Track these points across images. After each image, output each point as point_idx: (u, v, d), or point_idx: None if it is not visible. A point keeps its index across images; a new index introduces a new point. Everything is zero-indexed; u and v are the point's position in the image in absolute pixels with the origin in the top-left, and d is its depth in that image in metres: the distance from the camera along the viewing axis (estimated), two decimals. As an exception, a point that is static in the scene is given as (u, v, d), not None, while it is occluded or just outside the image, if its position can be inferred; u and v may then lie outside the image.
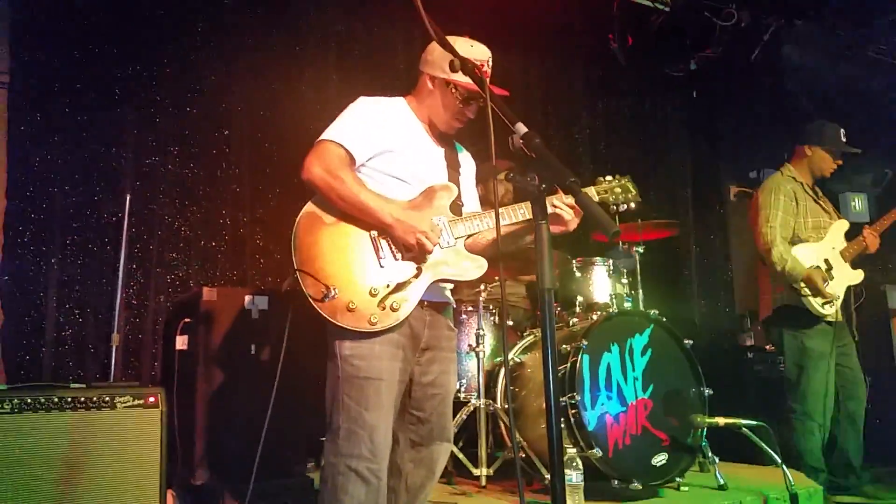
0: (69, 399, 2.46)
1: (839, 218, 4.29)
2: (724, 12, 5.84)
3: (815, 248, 4.09)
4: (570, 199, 2.48)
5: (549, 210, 2.46)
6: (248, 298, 3.47)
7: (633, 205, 2.73)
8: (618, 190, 2.72)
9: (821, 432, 3.97)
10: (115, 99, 4.23)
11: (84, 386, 2.58)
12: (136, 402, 2.59)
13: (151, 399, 2.62)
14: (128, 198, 3.92)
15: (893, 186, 6.88)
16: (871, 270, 4.68)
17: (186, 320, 3.56)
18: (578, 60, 6.14)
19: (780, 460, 3.25)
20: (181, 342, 3.54)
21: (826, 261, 4.07)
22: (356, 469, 2.28)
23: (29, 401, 2.39)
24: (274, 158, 4.62)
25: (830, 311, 3.99)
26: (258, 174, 4.61)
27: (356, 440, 2.30)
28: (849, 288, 4.13)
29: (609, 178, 2.74)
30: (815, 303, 3.96)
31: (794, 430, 3.98)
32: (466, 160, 2.77)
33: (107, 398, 2.53)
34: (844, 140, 4.24)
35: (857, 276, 4.14)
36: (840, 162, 4.27)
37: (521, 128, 1.65)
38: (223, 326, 3.44)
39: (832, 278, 4.02)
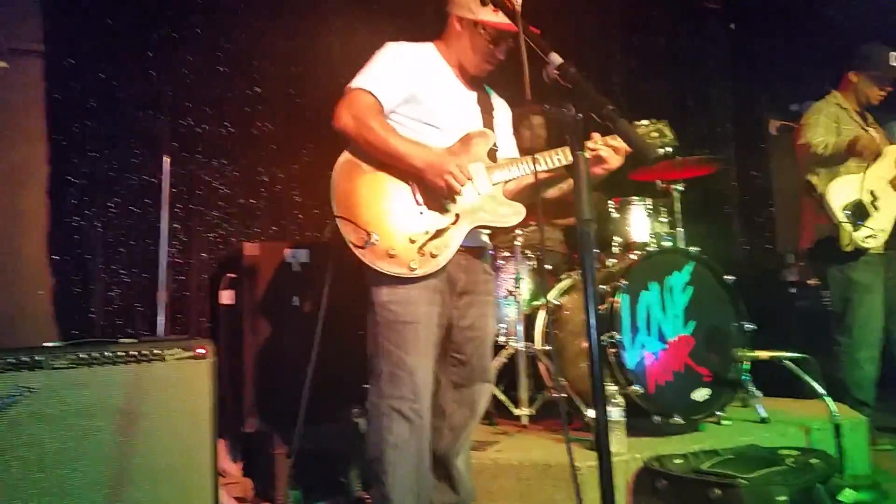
0: (121, 353, 2.54)
1: (891, 145, 4.10)
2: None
3: (858, 178, 3.96)
4: (608, 140, 2.44)
5: (587, 153, 2.44)
6: (288, 252, 3.53)
7: (669, 149, 2.68)
8: (654, 134, 2.68)
9: (870, 366, 3.93)
10: (148, 63, 4.29)
11: (135, 341, 2.66)
12: (186, 354, 2.66)
13: (200, 350, 2.69)
14: (166, 159, 4.02)
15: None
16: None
17: (230, 275, 3.65)
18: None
19: (823, 392, 3.22)
20: (226, 297, 3.63)
21: (871, 192, 3.95)
22: (399, 409, 2.34)
23: (83, 356, 2.47)
24: (307, 114, 4.65)
25: (878, 242, 3.90)
26: (292, 130, 4.64)
27: (398, 382, 2.36)
28: None
29: (644, 122, 2.70)
30: (857, 237, 3.86)
31: (840, 363, 3.94)
32: (500, 105, 2.75)
33: (157, 351, 2.60)
34: (894, 64, 4.05)
35: None
36: (889, 88, 4.11)
37: (556, 58, 1.62)
38: (266, 280, 3.51)
39: (877, 209, 3.92)
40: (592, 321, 1.50)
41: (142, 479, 2.50)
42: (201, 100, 4.41)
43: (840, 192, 3.94)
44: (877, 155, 3.87)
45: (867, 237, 3.89)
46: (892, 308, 4.04)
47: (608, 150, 2.43)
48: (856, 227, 3.88)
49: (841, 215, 3.90)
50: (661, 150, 2.69)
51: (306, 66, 4.68)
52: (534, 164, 2.45)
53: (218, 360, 2.76)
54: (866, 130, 4.10)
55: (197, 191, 4.33)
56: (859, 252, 3.91)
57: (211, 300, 4.14)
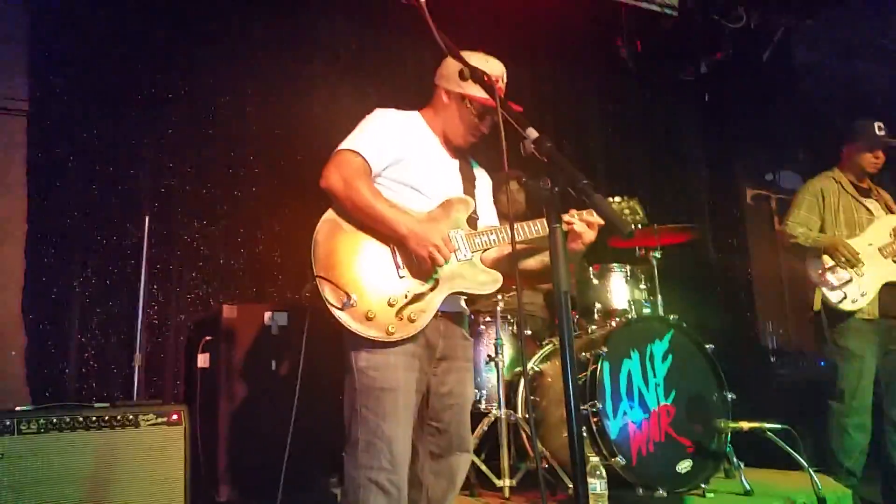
0: (94, 418, 2.49)
1: (891, 214, 4.17)
2: (732, 14, 5.83)
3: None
4: (583, 214, 2.48)
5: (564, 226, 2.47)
6: (267, 315, 3.51)
7: (640, 226, 2.74)
8: (626, 211, 2.73)
9: (859, 434, 3.88)
10: (132, 123, 4.29)
11: (108, 405, 2.60)
12: (160, 419, 2.62)
13: (174, 416, 2.64)
14: (146, 219, 4.00)
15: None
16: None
17: (207, 338, 3.60)
18: (588, 68, 6.14)
19: (805, 464, 3.20)
20: (202, 360, 3.58)
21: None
22: (376, 481, 2.28)
23: (55, 420, 2.42)
24: (289, 176, 4.66)
25: (857, 306, 3.92)
26: (274, 192, 4.65)
27: (375, 452, 2.30)
28: (891, 286, 3.98)
29: (617, 198, 2.75)
30: (844, 300, 3.90)
31: (828, 427, 3.92)
32: (482, 175, 2.79)
33: (130, 416, 2.56)
34: (882, 133, 4.19)
35: None
36: (880, 155, 4.21)
37: (532, 132, 1.66)
38: (244, 343, 3.47)
39: (861, 275, 3.95)
40: (571, 390, 1.47)
41: (110, 551, 2.42)
42: (183, 160, 4.41)
43: (820, 260, 4.02)
44: (853, 263, 3.94)
45: (852, 301, 3.92)
46: (886, 380, 4.02)
47: (582, 225, 2.47)
48: (834, 289, 3.94)
49: (817, 278, 3.99)
50: (632, 227, 2.71)
51: (290, 129, 4.72)
52: (511, 232, 2.47)
53: (193, 425, 2.70)
54: (859, 202, 4.19)
55: (177, 251, 4.29)
56: (846, 316, 3.94)
57: (187, 363, 4.07)
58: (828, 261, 4.00)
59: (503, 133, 1.80)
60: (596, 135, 6.11)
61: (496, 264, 2.59)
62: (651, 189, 6.14)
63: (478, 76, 1.97)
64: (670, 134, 6.55)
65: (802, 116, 6.87)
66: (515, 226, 2.51)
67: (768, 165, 7.32)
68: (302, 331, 2.83)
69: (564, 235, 1.64)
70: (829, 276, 3.97)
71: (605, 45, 5.82)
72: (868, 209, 4.17)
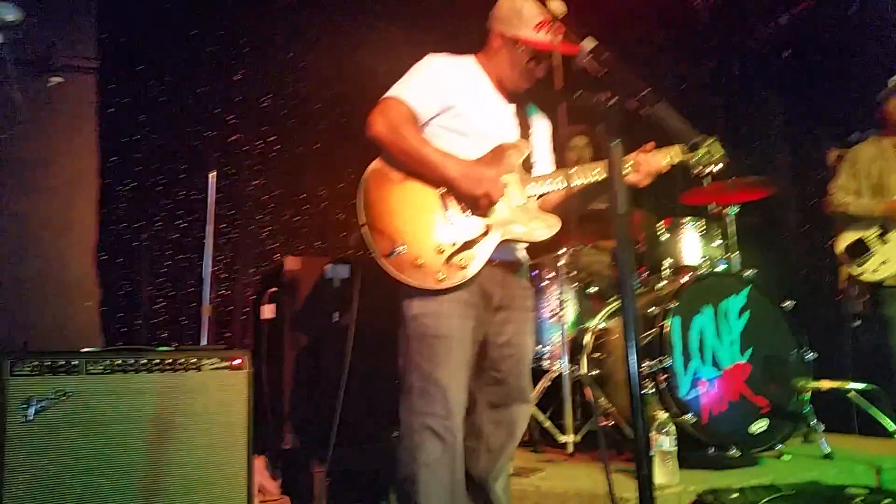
0: (157, 360, 2.51)
1: None
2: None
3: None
4: (651, 158, 2.35)
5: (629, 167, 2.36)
6: (328, 267, 3.48)
7: (719, 166, 2.55)
8: (702, 150, 2.54)
9: None
10: (198, 79, 4.34)
11: (172, 348, 2.62)
12: (223, 363, 2.62)
13: (237, 361, 2.65)
14: (213, 174, 4.03)
15: None
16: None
17: (272, 290, 3.62)
18: (662, 21, 5.86)
19: (893, 425, 3.00)
20: (268, 311, 3.60)
21: (882, 225, 3.93)
22: (431, 426, 2.24)
23: (120, 362, 2.45)
24: (352, 132, 4.60)
25: (878, 276, 3.89)
26: (337, 148, 4.65)
27: (429, 398, 2.26)
28: None
29: None
30: (866, 266, 3.93)
31: None
32: (540, 120, 2.68)
33: (193, 360, 2.57)
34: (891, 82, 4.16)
35: None
36: None
37: (589, 42, 1.54)
38: (306, 295, 3.47)
39: (885, 242, 3.90)
40: (631, 326, 1.39)
41: (174, 491, 2.46)
42: (248, 117, 4.44)
43: (845, 237, 4.09)
44: None
45: (873, 271, 3.90)
46: None
47: (646, 160, 2.34)
48: (852, 264, 4.00)
49: (840, 255, 4.08)
50: (710, 167, 2.55)
51: (352, 85, 4.69)
52: (568, 178, 2.37)
53: (258, 373, 2.71)
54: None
55: (243, 207, 4.34)
56: (879, 286, 3.94)
57: (254, 316, 4.12)
58: (849, 239, 4.02)
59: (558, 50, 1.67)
60: (669, 91, 5.86)
61: (554, 211, 2.48)
62: (730, 147, 5.83)
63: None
64: (749, 91, 6.21)
65: (891, 73, 6.44)
66: (573, 170, 2.41)
67: (854, 124, 6.91)
68: (364, 282, 2.81)
69: (622, 150, 1.52)
70: (849, 251, 4.03)
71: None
72: None
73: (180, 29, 4.31)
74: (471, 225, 2.31)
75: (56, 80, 3.95)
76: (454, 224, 2.30)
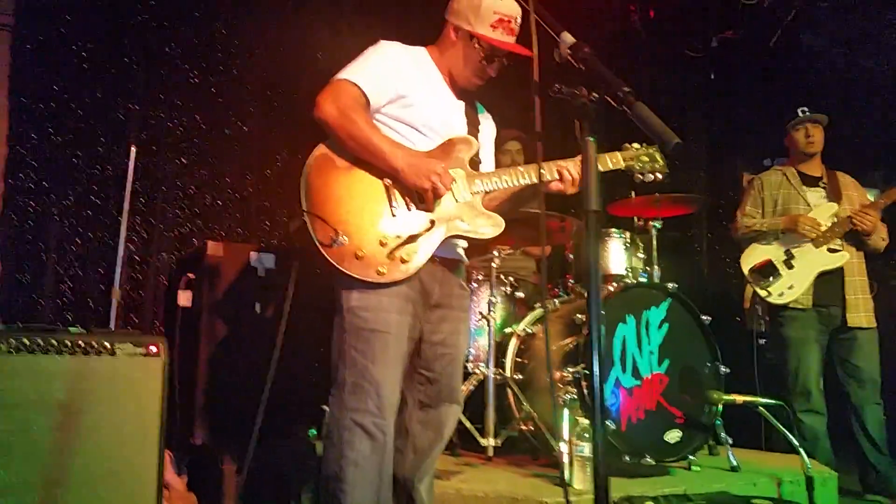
0: (67, 342, 2.35)
1: (834, 203, 4.18)
2: (748, -11, 5.70)
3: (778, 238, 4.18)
4: (575, 164, 2.38)
5: (552, 174, 2.40)
6: (254, 255, 3.36)
7: (659, 175, 2.61)
8: (644, 158, 2.60)
9: (810, 419, 3.95)
10: (123, 49, 4.13)
11: (84, 331, 2.46)
12: (137, 350, 2.47)
13: (153, 348, 2.50)
14: (132, 150, 3.83)
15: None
16: (883, 266, 4.61)
17: (190, 275, 3.46)
18: (598, 32, 5.97)
19: (796, 442, 3.14)
20: (184, 298, 3.44)
21: (787, 251, 4.11)
22: (362, 423, 2.19)
23: (26, 342, 2.27)
24: (285, 119, 4.52)
25: (784, 299, 4.04)
26: (266, 133, 4.51)
27: (362, 394, 2.21)
28: (829, 274, 4.04)
29: (636, 144, 2.62)
30: (769, 295, 4.08)
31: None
32: (487, 121, 2.67)
33: (107, 344, 2.41)
34: (802, 113, 4.35)
35: (835, 259, 4.05)
36: (811, 132, 4.28)
37: (568, 37, 1.54)
38: (228, 283, 3.33)
39: (791, 267, 4.06)
40: (595, 321, 1.37)
41: (79, 483, 2.30)
42: (175, 92, 4.24)
43: (751, 255, 4.24)
44: (815, 234, 4.06)
45: (779, 294, 4.06)
46: (839, 363, 4.10)
47: (570, 177, 2.39)
48: (759, 285, 4.14)
49: (747, 275, 4.22)
50: (651, 176, 2.61)
51: (288, 69, 4.56)
52: (516, 177, 2.39)
53: (171, 362, 2.57)
54: (802, 195, 4.22)
55: (162, 186, 4.15)
56: (782, 308, 4.09)
57: (167, 302, 3.94)
58: (756, 259, 4.18)
59: (535, 41, 1.66)
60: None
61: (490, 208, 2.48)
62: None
63: None
64: (674, 109, 6.42)
65: (804, 104, 6.78)
66: (519, 169, 2.42)
67: (768, 151, 7.24)
68: (289, 274, 2.71)
69: (596, 148, 1.52)
70: (757, 274, 4.17)
71: (617, 11, 5.65)
72: (807, 200, 4.21)
73: (108, -5, 4.08)
74: (415, 218, 2.27)
75: (-35, 36, 3.67)
76: (399, 217, 2.26)
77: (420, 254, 2.27)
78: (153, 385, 2.52)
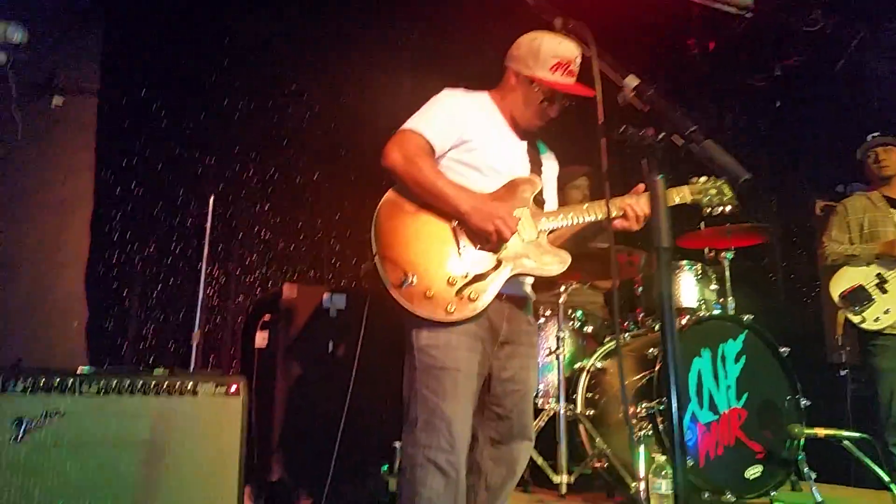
0: (152, 384, 2.46)
1: None
2: (808, 18, 5.61)
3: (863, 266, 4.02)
4: (638, 201, 2.38)
5: (617, 211, 2.39)
6: (326, 296, 3.45)
7: (728, 208, 2.58)
8: (713, 191, 2.57)
9: None
10: (199, 106, 4.34)
11: (167, 372, 2.57)
12: (219, 389, 2.57)
13: (233, 388, 2.60)
14: (211, 200, 4.01)
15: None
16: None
17: (267, 317, 3.57)
18: (659, 67, 5.98)
19: (884, 475, 2.99)
20: (261, 339, 3.55)
21: (878, 275, 3.95)
22: (434, 460, 2.20)
23: (114, 383, 2.40)
24: (351, 165, 4.65)
25: (880, 325, 3.84)
26: (334, 179, 4.65)
27: (434, 431, 2.22)
28: None
29: (703, 178, 2.60)
30: (863, 322, 3.86)
31: None
32: (549, 160, 2.70)
33: (189, 384, 2.52)
34: (871, 138, 4.29)
35: None
36: (881, 157, 4.20)
37: (632, 80, 1.56)
38: (302, 324, 3.43)
39: (885, 291, 3.89)
40: (671, 353, 1.37)
41: (165, 519, 2.38)
42: (248, 144, 4.43)
43: (840, 280, 4.04)
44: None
45: (875, 319, 3.86)
46: None
47: (635, 215, 2.38)
48: (852, 311, 3.92)
49: (837, 301, 4.00)
50: (719, 209, 2.58)
51: (353, 117, 4.72)
52: (580, 214, 2.40)
53: (250, 400, 2.66)
54: (890, 216, 4.09)
55: (238, 233, 4.31)
56: (874, 335, 3.90)
57: (244, 344, 4.07)
58: (846, 284, 3.98)
59: (599, 81, 1.69)
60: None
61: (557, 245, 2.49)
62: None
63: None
64: (741, 140, 6.32)
65: (873, 129, 6.59)
66: (583, 207, 2.43)
67: (839, 176, 7.04)
68: (361, 315, 2.78)
69: (665, 186, 1.53)
70: (850, 298, 3.95)
71: (677, 44, 5.65)
72: (895, 222, 4.07)
73: (184, 53, 4.32)
74: (482, 258, 2.30)
75: (58, 100, 3.93)
76: (466, 256, 2.29)
77: (488, 292, 2.29)
78: (233, 423, 2.60)
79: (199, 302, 3.78)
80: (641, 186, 2.41)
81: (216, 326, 4.15)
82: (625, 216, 2.41)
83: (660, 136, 1.50)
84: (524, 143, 2.58)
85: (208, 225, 3.92)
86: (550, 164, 2.69)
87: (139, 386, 2.44)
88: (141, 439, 2.40)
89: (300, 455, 3.21)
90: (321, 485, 3.05)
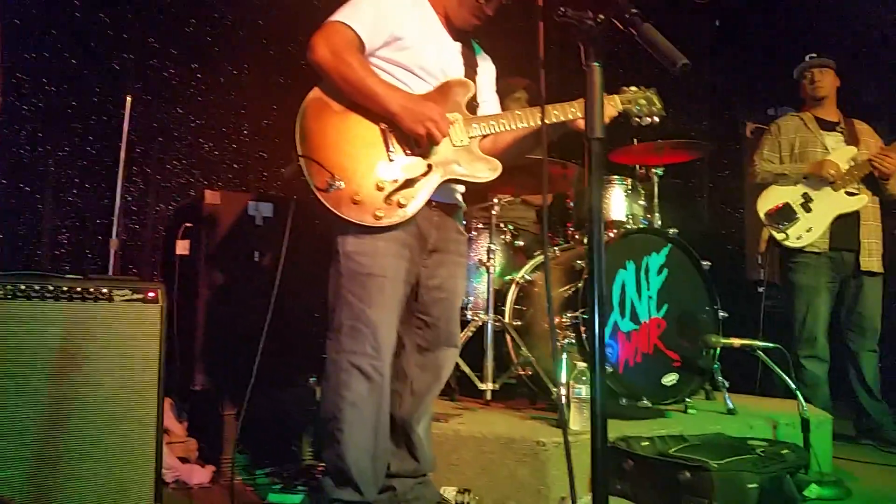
0: (65, 288, 2.35)
1: (853, 147, 4.13)
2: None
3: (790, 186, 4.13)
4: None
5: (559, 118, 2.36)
6: (251, 204, 3.35)
7: (657, 119, 2.57)
8: (642, 101, 2.55)
9: (812, 366, 4.00)
10: (118, -2, 4.05)
11: (81, 277, 2.46)
12: (136, 296, 2.47)
13: (151, 294, 2.50)
14: (128, 100, 3.78)
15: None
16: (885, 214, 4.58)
17: (188, 224, 3.45)
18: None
19: (792, 384, 3.15)
20: (182, 247, 3.43)
21: (804, 194, 4.07)
22: (359, 365, 2.21)
23: (23, 287, 2.27)
24: (282, 69, 4.44)
25: (801, 242, 4.00)
26: (262, 83, 4.44)
27: (359, 337, 2.22)
28: (846, 217, 4.02)
29: (633, 87, 2.57)
30: (787, 239, 4.01)
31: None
32: (485, 62, 2.62)
33: (105, 290, 2.41)
34: (809, 58, 4.36)
35: (853, 202, 4.02)
36: (816, 77, 4.28)
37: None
38: (225, 232, 3.33)
39: (809, 210, 4.02)
40: (597, 258, 1.36)
41: (78, 428, 2.31)
42: (170, 41, 4.17)
43: (768, 198, 4.16)
44: (837, 177, 4.01)
45: (797, 237, 4.01)
46: (844, 312, 4.11)
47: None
48: (776, 228, 4.05)
49: (764, 219, 4.12)
50: (648, 119, 2.57)
51: (282, 18, 4.47)
52: (514, 120, 2.35)
53: (170, 307, 2.58)
54: (819, 138, 4.18)
55: (158, 137, 4.11)
56: (796, 253, 4.05)
57: (165, 252, 3.94)
58: (772, 202, 4.11)
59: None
60: (600, 48, 5.86)
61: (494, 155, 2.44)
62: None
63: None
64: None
65: (808, 53, 6.66)
66: (518, 112, 2.39)
67: (771, 100, 7.15)
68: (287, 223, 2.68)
69: (602, 74, 1.49)
70: (775, 216, 4.08)
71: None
72: (825, 144, 4.17)
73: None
74: (412, 163, 2.25)
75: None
76: (395, 161, 2.24)
77: (417, 198, 2.25)
78: (152, 331, 2.52)
79: (117, 208, 3.62)
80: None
81: (135, 234, 4.00)
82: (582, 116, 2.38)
83: (598, 18, 1.44)
84: (458, 44, 2.50)
85: (125, 126, 3.72)
86: (487, 67, 2.62)
87: (50, 291, 2.33)
88: (53, 346, 2.31)
89: (224, 365, 3.17)
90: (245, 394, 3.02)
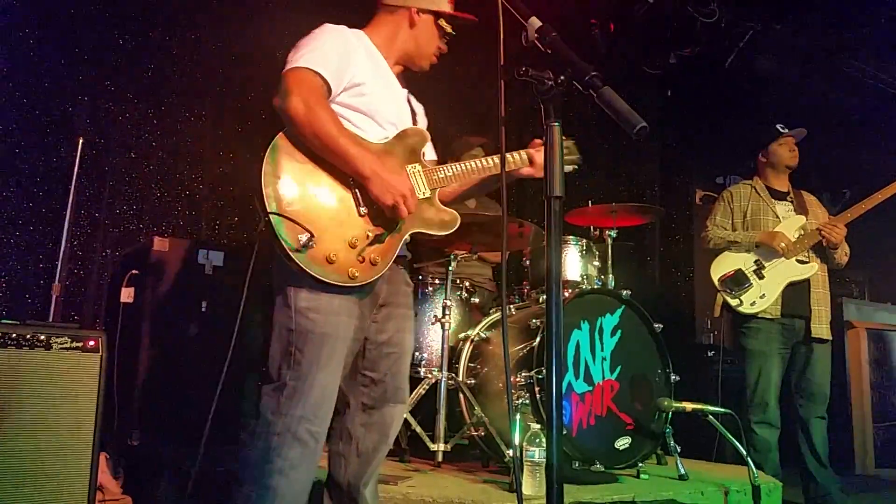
0: (-1, 334, 2.24)
1: (802, 216, 4.23)
2: (707, 8, 5.77)
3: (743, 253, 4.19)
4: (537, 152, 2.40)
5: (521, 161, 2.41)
6: (201, 252, 3.28)
7: (576, 166, 2.61)
8: (565, 150, 2.59)
9: (763, 431, 3.97)
10: (73, 39, 3.99)
11: (17, 322, 2.34)
12: (75, 344, 2.37)
13: (91, 342, 2.40)
14: (80, 143, 3.69)
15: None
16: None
17: (134, 272, 3.36)
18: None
19: (744, 451, 3.15)
20: (126, 294, 3.34)
21: (757, 261, 4.13)
22: (295, 431, 2.07)
23: (-46, 332, 2.17)
24: (237, 117, 4.41)
25: (755, 309, 4.03)
26: (219, 131, 4.39)
27: (300, 400, 2.09)
28: (797, 285, 4.08)
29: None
30: (741, 305, 4.04)
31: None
32: (419, 108, 2.60)
33: (42, 336, 2.31)
34: (783, 129, 4.36)
35: (804, 270, 4.10)
36: (794, 147, 4.33)
37: (535, 21, 1.52)
38: (173, 280, 3.25)
39: (761, 277, 4.07)
40: (554, 314, 1.34)
41: (7, 481, 2.18)
42: (125, 85, 4.11)
43: (721, 264, 4.20)
44: (788, 250, 4.07)
45: (750, 304, 4.05)
46: (794, 378, 4.13)
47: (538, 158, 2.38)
48: (730, 294, 4.08)
49: (717, 284, 4.15)
50: (567, 168, 2.59)
51: (241, 69, 4.46)
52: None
53: (111, 357, 2.47)
54: (769, 205, 4.27)
55: (109, 181, 4.01)
56: (749, 318, 4.07)
57: (108, 301, 3.80)
58: (726, 268, 4.14)
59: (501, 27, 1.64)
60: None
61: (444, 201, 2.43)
62: (606, 174, 6.12)
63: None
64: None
65: (758, 124, 6.92)
66: (480, 160, 2.41)
67: (720, 168, 7.38)
68: (238, 273, 2.62)
69: (561, 135, 1.49)
70: (729, 282, 4.11)
71: (579, 19, 5.65)
72: (776, 213, 4.26)
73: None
74: (383, 218, 2.19)
75: None
76: (365, 215, 2.17)
77: (389, 254, 2.19)
78: (90, 382, 2.42)
79: (62, 251, 3.50)
80: (538, 141, 2.39)
81: (80, 279, 3.85)
82: (532, 163, 2.42)
83: (559, 80, 1.46)
84: (405, 92, 2.49)
85: (75, 169, 3.62)
86: (421, 113, 2.59)
87: (-18, 336, 2.21)
88: (-18, 395, 2.18)
89: (164, 420, 3.05)
90: (189, 450, 2.89)
